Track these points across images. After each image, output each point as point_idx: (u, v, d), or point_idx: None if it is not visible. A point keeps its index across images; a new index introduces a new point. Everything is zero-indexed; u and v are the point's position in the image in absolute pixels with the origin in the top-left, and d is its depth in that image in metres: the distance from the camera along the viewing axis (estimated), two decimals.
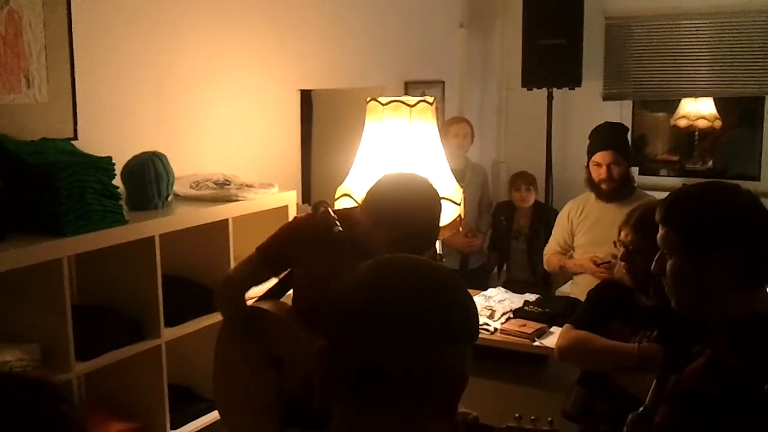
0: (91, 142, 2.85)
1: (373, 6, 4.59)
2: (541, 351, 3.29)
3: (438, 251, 3.75)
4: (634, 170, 5.45)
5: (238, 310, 2.59)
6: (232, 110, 3.62)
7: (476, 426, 1.87)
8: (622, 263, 2.60)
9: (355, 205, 3.07)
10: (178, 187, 3.08)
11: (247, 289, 2.61)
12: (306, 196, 4.14)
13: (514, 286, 4.23)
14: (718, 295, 1.73)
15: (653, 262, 1.83)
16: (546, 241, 4.34)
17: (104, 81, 3.01)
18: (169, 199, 2.97)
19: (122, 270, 2.77)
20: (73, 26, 2.84)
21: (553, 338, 3.20)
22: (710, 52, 5.42)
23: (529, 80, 5.34)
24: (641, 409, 1.79)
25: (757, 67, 5.30)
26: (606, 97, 5.73)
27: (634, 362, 2.42)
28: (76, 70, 2.87)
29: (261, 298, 2.70)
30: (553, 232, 4.20)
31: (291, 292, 2.68)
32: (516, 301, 3.69)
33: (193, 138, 3.42)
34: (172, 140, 3.24)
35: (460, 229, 3.59)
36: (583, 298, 3.07)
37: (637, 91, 5.77)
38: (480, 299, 3.71)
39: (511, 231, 5.02)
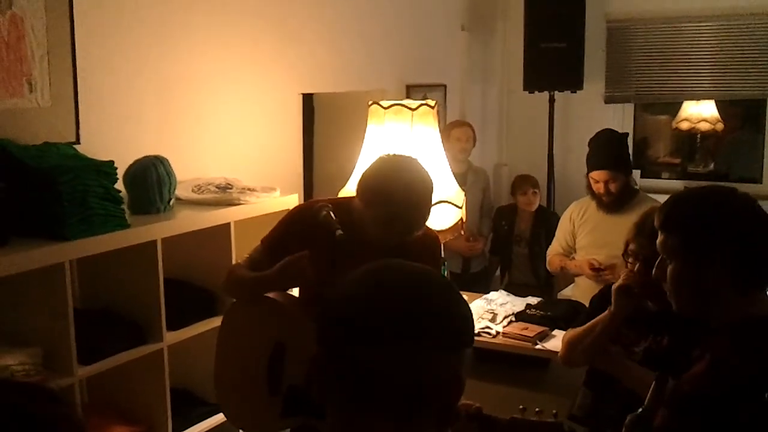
0: (93, 146, 2.85)
1: (375, 9, 4.59)
2: (543, 354, 3.29)
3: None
4: (636, 173, 5.45)
5: (248, 273, 2.55)
6: (234, 114, 3.62)
7: (479, 417, 1.87)
8: (637, 277, 2.53)
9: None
10: (180, 191, 3.08)
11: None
12: (308, 199, 4.14)
13: (516, 289, 4.23)
14: (718, 299, 1.74)
15: (653, 268, 1.84)
16: (547, 245, 4.35)
17: (106, 85, 3.01)
18: (171, 203, 2.97)
19: (124, 274, 2.78)
20: (75, 31, 2.85)
21: (555, 341, 3.20)
22: (712, 54, 5.42)
23: (531, 83, 5.34)
24: (640, 410, 1.80)
25: (758, 70, 5.30)
26: (608, 100, 5.73)
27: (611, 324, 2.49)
28: (78, 74, 2.87)
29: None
30: (556, 233, 4.21)
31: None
32: (518, 304, 3.69)
33: (195, 142, 3.42)
34: (175, 144, 3.24)
35: (462, 232, 3.59)
36: (585, 300, 3.08)
37: (639, 94, 5.76)
38: (482, 303, 3.72)
39: (512, 235, 5.01)
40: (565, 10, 5.22)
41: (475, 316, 3.41)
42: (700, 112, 6.26)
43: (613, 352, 2.54)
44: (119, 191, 2.65)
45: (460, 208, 3.34)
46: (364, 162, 3.27)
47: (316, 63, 4.10)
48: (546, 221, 4.85)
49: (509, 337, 3.37)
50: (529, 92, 5.40)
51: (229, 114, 3.59)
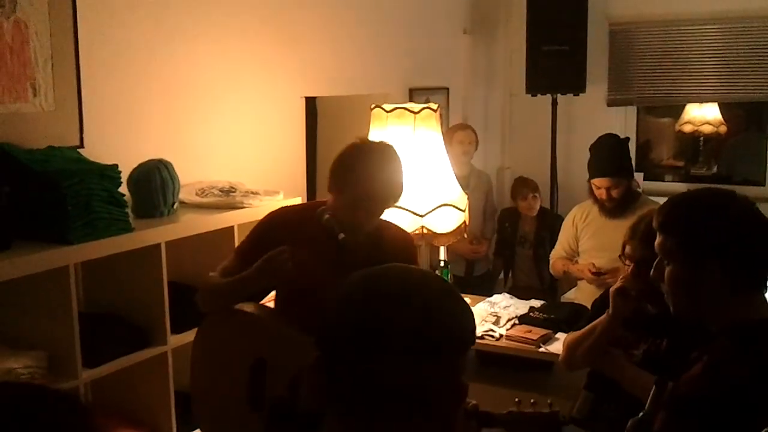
0: (97, 150, 2.86)
1: (377, 13, 4.60)
2: (547, 357, 3.28)
3: (443, 257, 3.76)
4: (639, 176, 5.45)
5: (221, 281, 2.51)
6: (237, 118, 3.63)
7: (476, 413, 1.87)
8: (631, 279, 2.56)
9: None
10: (184, 195, 3.09)
11: None
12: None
13: (519, 292, 4.23)
14: (715, 301, 1.74)
15: (651, 270, 1.84)
16: (551, 248, 4.35)
17: (110, 89, 3.02)
18: (175, 206, 2.98)
19: (128, 277, 2.78)
20: (79, 35, 2.86)
21: (558, 344, 3.20)
22: (715, 57, 5.42)
23: (534, 86, 5.35)
24: (640, 414, 1.80)
25: (761, 73, 5.30)
26: (610, 103, 5.74)
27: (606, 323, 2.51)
28: (82, 78, 2.88)
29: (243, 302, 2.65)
30: (559, 236, 4.21)
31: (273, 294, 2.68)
32: (521, 307, 3.69)
33: (199, 145, 3.43)
34: (178, 148, 3.25)
35: (465, 235, 3.59)
36: (587, 303, 3.08)
37: (642, 97, 5.76)
38: (485, 305, 3.72)
39: (516, 237, 5.01)
40: (567, 13, 5.22)
41: (478, 319, 3.43)
42: (703, 114, 6.26)
43: (612, 355, 2.55)
44: (123, 195, 2.66)
45: (463, 211, 3.34)
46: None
47: (319, 66, 4.11)
48: (549, 224, 4.84)
49: (513, 340, 3.36)
50: (532, 95, 5.40)
51: (232, 117, 3.60)
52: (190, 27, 3.34)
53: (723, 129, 6.27)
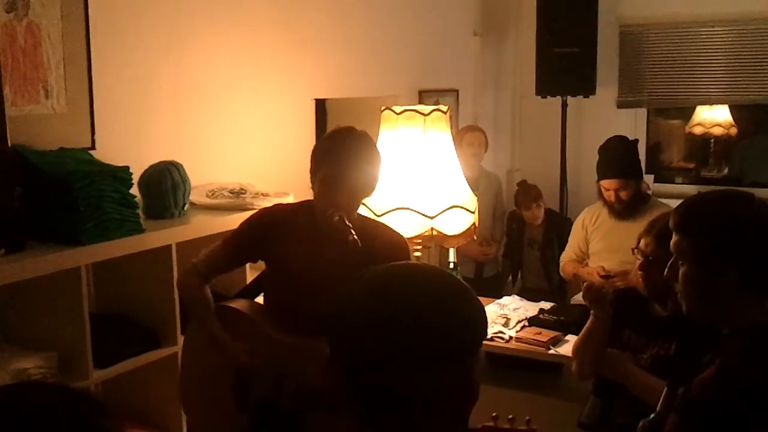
0: (108, 152, 2.87)
1: (387, 15, 4.61)
2: (556, 359, 3.28)
3: (452, 259, 3.77)
4: (649, 178, 5.43)
5: (202, 296, 2.51)
6: (248, 120, 3.65)
7: None
8: (640, 272, 2.60)
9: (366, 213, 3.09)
10: (195, 196, 3.11)
11: (211, 277, 2.55)
12: None
13: (529, 294, 4.23)
14: (729, 303, 1.74)
15: (666, 269, 1.84)
16: (559, 249, 4.34)
17: (122, 91, 3.04)
18: (186, 208, 2.99)
19: (139, 278, 2.80)
20: (91, 37, 2.88)
21: (568, 346, 3.20)
22: (725, 59, 5.40)
23: (544, 88, 5.34)
24: (651, 416, 1.80)
25: None
26: (620, 105, 5.72)
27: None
28: (93, 80, 2.90)
29: (233, 297, 2.67)
30: (569, 239, 4.21)
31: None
32: (531, 309, 3.69)
33: (209, 147, 3.44)
34: (189, 150, 3.26)
35: (475, 237, 3.59)
36: None
37: (652, 99, 5.75)
38: (495, 307, 3.72)
39: (524, 239, 5.00)
40: (577, 15, 5.21)
41: (488, 321, 3.42)
42: (713, 116, 6.24)
43: (620, 360, 2.55)
44: (134, 196, 2.68)
45: (473, 213, 3.34)
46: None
47: (329, 69, 4.12)
48: (558, 226, 4.83)
49: (522, 342, 3.36)
50: (542, 97, 5.39)
51: (242, 119, 3.61)
52: (201, 29, 3.36)
53: (733, 131, 6.25)
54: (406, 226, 3.15)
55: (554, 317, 3.51)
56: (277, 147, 3.82)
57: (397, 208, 3.19)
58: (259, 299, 2.70)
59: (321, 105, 4.15)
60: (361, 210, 3.13)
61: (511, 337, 3.40)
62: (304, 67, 3.94)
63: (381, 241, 2.45)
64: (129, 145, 3.03)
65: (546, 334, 3.37)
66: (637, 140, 4.15)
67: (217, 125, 3.48)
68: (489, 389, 1.20)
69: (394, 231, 2.66)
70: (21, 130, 2.65)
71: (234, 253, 2.55)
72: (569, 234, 4.24)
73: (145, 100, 3.14)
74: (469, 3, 5.55)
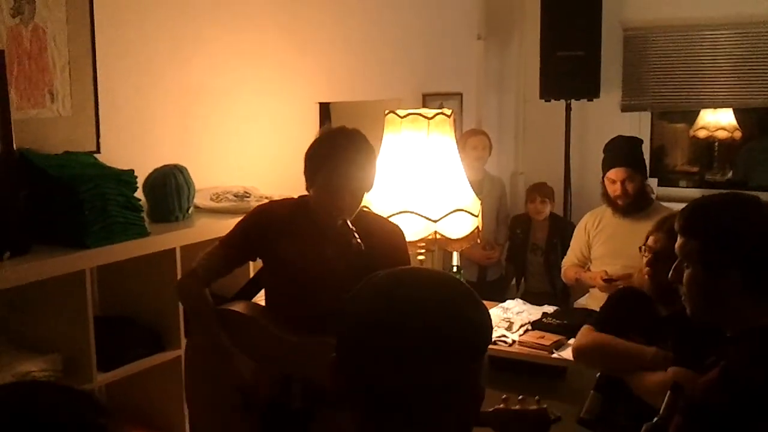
0: (113, 156, 2.89)
1: (391, 19, 4.62)
2: (560, 363, 3.28)
3: (456, 263, 3.77)
4: (653, 181, 5.43)
5: (203, 302, 2.49)
6: (252, 123, 3.66)
7: None
8: (646, 269, 2.60)
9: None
10: (199, 200, 3.12)
11: (211, 281, 2.54)
12: None
13: (532, 298, 4.23)
14: (733, 306, 1.74)
15: (671, 271, 1.85)
16: (563, 254, 4.34)
17: (126, 95, 3.05)
18: (190, 211, 3.00)
19: (144, 281, 2.81)
20: (96, 42, 2.89)
21: (570, 350, 3.20)
22: (729, 62, 5.39)
23: (547, 92, 5.34)
24: (655, 419, 1.80)
25: None
26: (624, 109, 5.72)
27: (650, 366, 2.43)
28: (98, 84, 2.91)
29: (231, 299, 2.65)
30: (571, 244, 4.20)
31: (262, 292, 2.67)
32: (534, 313, 3.69)
33: (214, 151, 3.45)
34: (193, 153, 3.28)
35: (478, 241, 3.60)
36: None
37: (656, 103, 5.75)
38: (498, 311, 3.72)
39: (527, 244, 5.01)
40: (581, 19, 5.21)
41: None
42: (717, 120, 6.23)
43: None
44: (139, 200, 2.69)
45: (477, 216, 3.34)
46: (381, 174, 3.28)
47: (333, 72, 4.13)
48: (562, 230, 4.84)
49: (526, 346, 3.36)
50: (546, 101, 5.39)
51: (246, 123, 3.62)
52: (205, 33, 3.37)
53: (737, 134, 6.24)
54: (410, 230, 3.15)
55: (557, 321, 3.51)
56: (281, 150, 3.82)
57: (401, 212, 3.20)
58: (258, 298, 2.70)
59: (325, 108, 4.15)
60: None
61: (514, 341, 3.39)
62: (308, 70, 3.95)
63: (377, 237, 2.46)
64: (134, 148, 3.05)
65: (549, 338, 3.37)
66: (641, 139, 4.15)
67: (222, 129, 3.49)
68: (491, 393, 1.21)
69: (389, 221, 2.67)
70: (26, 133, 2.66)
71: (233, 253, 2.54)
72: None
73: (149, 103, 3.15)
74: (472, 6, 5.56)
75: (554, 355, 3.29)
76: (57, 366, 2.48)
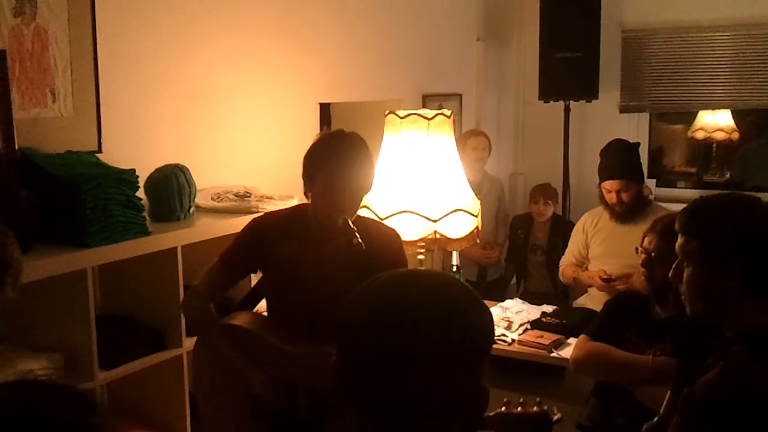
0: (115, 155, 2.90)
1: (391, 20, 4.63)
2: (559, 362, 3.29)
3: (455, 262, 3.78)
4: (652, 182, 5.45)
5: (209, 320, 2.52)
6: (253, 123, 3.66)
7: None
8: (642, 269, 2.61)
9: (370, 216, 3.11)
10: (200, 199, 3.12)
11: (214, 296, 2.56)
12: None
13: (531, 297, 4.24)
14: (733, 306, 1.75)
15: (671, 270, 1.86)
16: (563, 254, 4.35)
17: (128, 95, 3.06)
18: (191, 210, 3.01)
19: (145, 280, 2.81)
20: (97, 41, 2.90)
21: (570, 349, 3.21)
22: (727, 64, 5.41)
23: (546, 93, 5.35)
24: (655, 419, 1.81)
25: None
26: (623, 110, 5.74)
27: (649, 375, 2.43)
28: (100, 84, 2.92)
29: (232, 314, 2.64)
30: (569, 243, 4.21)
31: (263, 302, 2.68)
32: (533, 312, 3.70)
33: (215, 151, 3.46)
34: (194, 153, 3.28)
35: (478, 241, 3.61)
36: (597, 309, 3.09)
37: (655, 104, 5.76)
38: (497, 310, 3.73)
39: (528, 244, 5.02)
40: (580, 20, 5.23)
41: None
42: (715, 121, 6.25)
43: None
44: (140, 199, 2.69)
45: (476, 216, 3.36)
46: (381, 174, 3.30)
47: (333, 73, 4.14)
48: (562, 230, 4.84)
49: (525, 345, 3.38)
50: (545, 102, 5.41)
51: (247, 123, 3.63)
52: (206, 34, 3.38)
53: (735, 135, 6.26)
54: (410, 230, 3.17)
55: (556, 320, 3.53)
56: (282, 150, 3.83)
57: (401, 212, 3.21)
58: (259, 308, 2.71)
59: (325, 109, 4.16)
60: (365, 214, 3.16)
61: (513, 340, 3.41)
62: (308, 71, 3.96)
63: (376, 239, 2.47)
64: (135, 148, 3.05)
65: (548, 338, 3.38)
66: (638, 143, 4.16)
67: (222, 129, 3.50)
68: (491, 392, 1.21)
69: (385, 225, 2.68)
70: (28, 133, 2.67)
71: (233, 267, 2.54)
72: None
73: (151, 103, 3.16)
74: (472, 8, 5.57)
75: (553, 354, 3.31)
76: (59, 364, 2.49)
